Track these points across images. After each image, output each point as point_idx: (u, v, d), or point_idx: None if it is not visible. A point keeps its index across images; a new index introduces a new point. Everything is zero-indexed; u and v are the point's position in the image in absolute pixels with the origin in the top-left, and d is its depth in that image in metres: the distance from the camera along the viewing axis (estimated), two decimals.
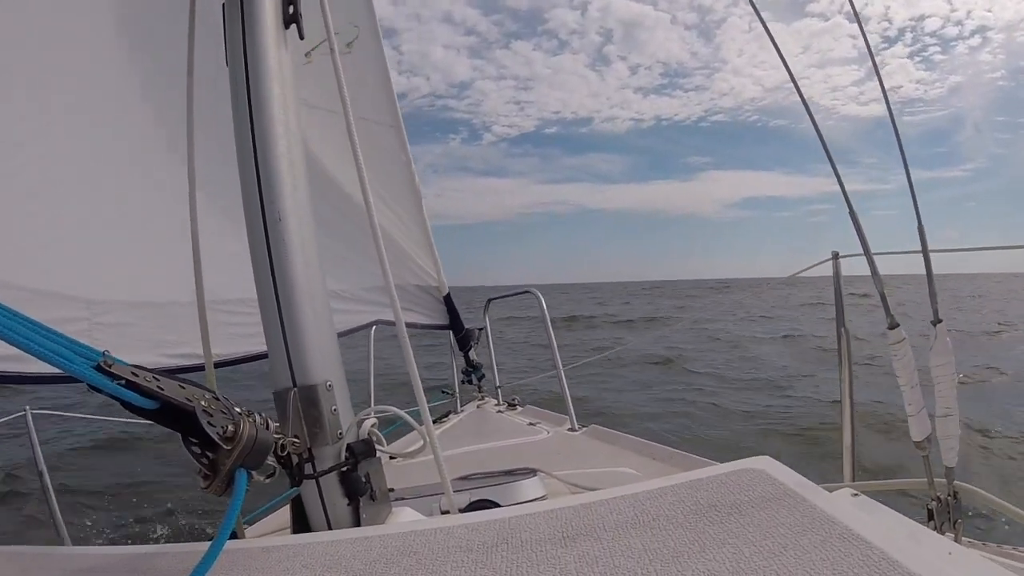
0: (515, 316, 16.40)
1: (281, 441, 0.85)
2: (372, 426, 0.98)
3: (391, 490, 1.03)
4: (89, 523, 4.18)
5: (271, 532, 1.52)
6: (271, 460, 0.82)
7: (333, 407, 0.93)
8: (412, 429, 1.04)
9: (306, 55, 1.63)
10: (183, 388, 0.72)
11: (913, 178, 1.32)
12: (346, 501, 0.91)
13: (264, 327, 0.94)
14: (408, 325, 1.51)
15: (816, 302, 19.99)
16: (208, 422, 0.71)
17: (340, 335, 1.09)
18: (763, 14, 1.34)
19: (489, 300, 3.63)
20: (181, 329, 1.87)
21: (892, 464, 4.02)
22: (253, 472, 0.76)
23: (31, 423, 2.57)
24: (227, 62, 0.99)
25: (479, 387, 3.36)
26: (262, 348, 0.97)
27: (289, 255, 0.93)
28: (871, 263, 1.26)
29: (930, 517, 1.23)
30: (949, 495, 1.23)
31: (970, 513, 1.34)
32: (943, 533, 1.20)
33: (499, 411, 3.06)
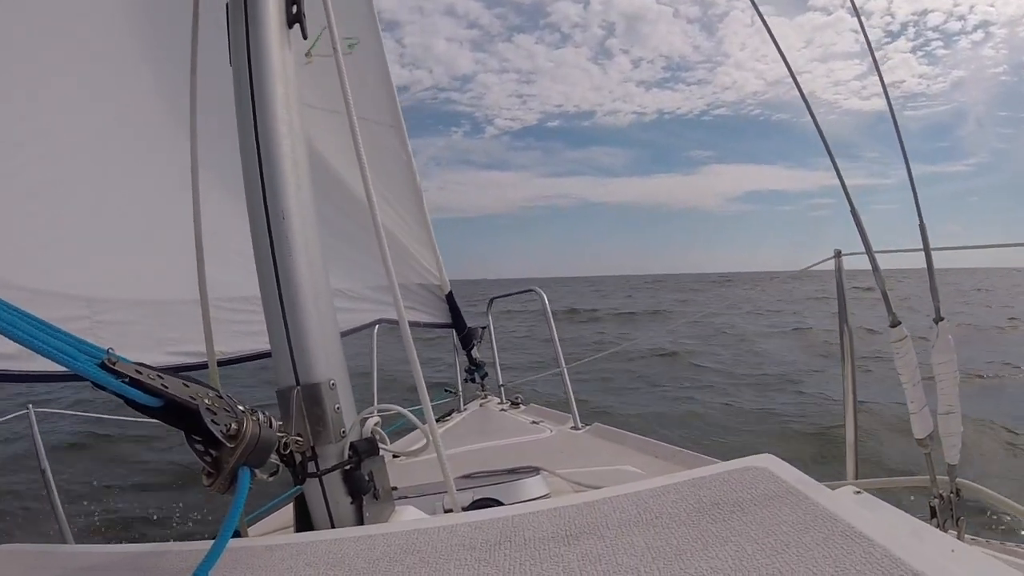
0: (515, 311, 16.37)
1: (284, 439, 0.85)
2: (375, 424, 0.99)
3: (394, 488, 1.03)
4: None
5: (274, 530, 1.52)
6: (274, 458, 0.82)
7: (336, 405, 0.93)
8: (415, 428, 1.04)
9: (306, 55, 1.62)
10: (187, 386, 0.72)
11: (916, 172, 1.31)
12: (349, 499, 0.91)
13: (267, 325, 0.94)
14: (411, 324, 1.52)
15: (821, 296, 19.89)
16: (212, 420, 0.71)
17: (343, 335, 1.09)
18: (765, 9, 1.33)
19: (492, 299, 3.63)
20: (184, 327, 1.86)
21: (914, 467, 3.95)
22: (256, 470, 0.76)
23: (34, 421, 2.57)
24: (231, 62, 0.99)
25: (482, 386, 3.36)
26: (265, 346, 0.97)
27: (293, 253, 0.93)
28: (873, 261, 1.25)
29: (933, 514, 1.23)
30: (952, 492, 1.23)
31: (972, 507, 1.34)
32: (946, 530, 1.20)
33: (502, 409, 3.06)
